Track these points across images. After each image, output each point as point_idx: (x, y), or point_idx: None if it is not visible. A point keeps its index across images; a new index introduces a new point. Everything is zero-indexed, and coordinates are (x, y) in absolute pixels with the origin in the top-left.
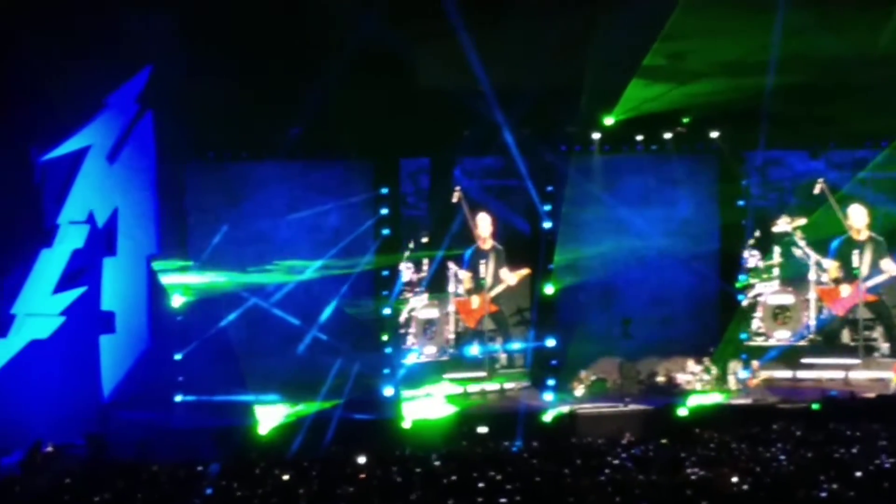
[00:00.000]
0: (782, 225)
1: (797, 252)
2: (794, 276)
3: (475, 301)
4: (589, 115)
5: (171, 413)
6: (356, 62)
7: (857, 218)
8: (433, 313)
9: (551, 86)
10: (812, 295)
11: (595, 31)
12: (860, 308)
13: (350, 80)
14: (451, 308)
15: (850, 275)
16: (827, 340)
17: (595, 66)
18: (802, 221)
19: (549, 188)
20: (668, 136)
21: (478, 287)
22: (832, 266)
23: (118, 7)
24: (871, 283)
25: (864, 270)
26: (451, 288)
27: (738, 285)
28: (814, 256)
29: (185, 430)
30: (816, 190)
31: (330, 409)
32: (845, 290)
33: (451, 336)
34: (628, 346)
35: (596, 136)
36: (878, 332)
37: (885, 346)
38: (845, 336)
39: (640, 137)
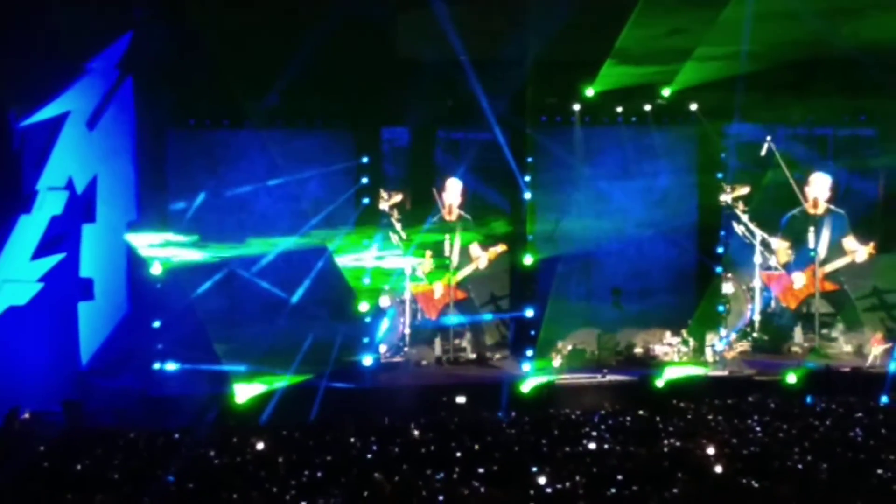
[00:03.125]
0: (720, 195)
1: (738, 229)
2: (735, 260)
3: (438, 287)
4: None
5: (150, 381)
6: (337, 31)
7: (819, 188)
8: (383, 303)
9: (532, 57)
10: (757, 283)
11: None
12: (816, 299)
13: (331, 49)
14: (408, 296)
15: (804, 258)
16: (774, 341)
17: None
18: (745, 190)
19: (529, 159)
20: (647, 108)
21: (441, 269)
22: (782, 247)
23: None
24: (829, 267)
25: (822, 252)
26: (408, 271)
27: (715, 257)
28: (759, 234)
29: (163, 398)
30: (763, 150)
31: (308, 378)
32: (798, 276)
33: (407, 331)
34: (606, 317)
35: (576, 107)
36: (837, 330)
37: (846, 349)
38: (797, 335)
39: (619, 109)
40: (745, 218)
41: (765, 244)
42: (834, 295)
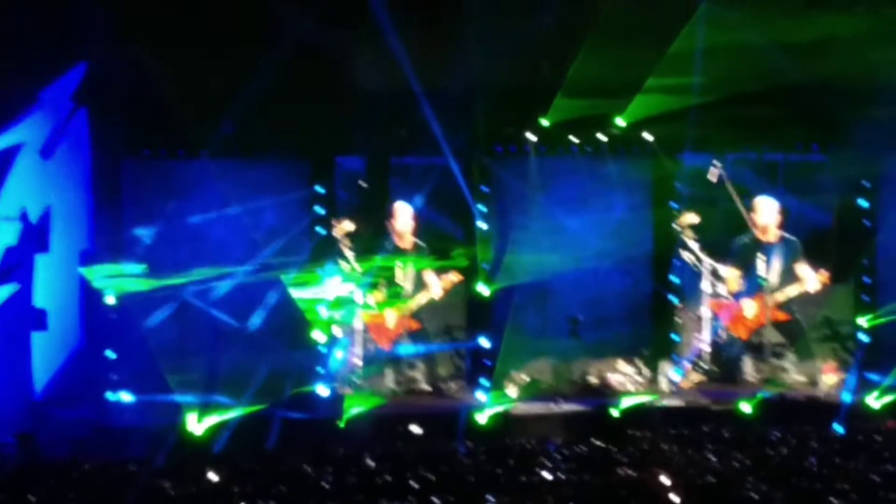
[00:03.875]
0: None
1: (687, 256)
2: (683, 289)
3: (390, 317)
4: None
5: (104, 411)
6: (292, 60)
7: (766, 213)
8: (336, 333)
9: (488, 86)
10: (705, 312)
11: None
12: (767, 329)
13: (286, 79)
14: (359, 325)
15: (754, 286)
16: (724, 373)
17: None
18: (695, 220)
19: (485, 189)
20: (602, 138)
21: (394, 297)
22: (732, 275)
23: (53, 2)
24: (781, 296)
25: (773, 280)
26: (359, 300)
27: (670, 287)
28: (708, 262)
29: (117, 429)
30: (711, 176)
31: (263, 408)
32: (748, 305)
33: (359, 361)
34: (562, 347)
35: (532, 137)
36: (789, 361)
37: (799, 378)
38: (748, 366)
39: (574, 140)
40: (695, 246)
41: (714, 272)
42: (785, 325)
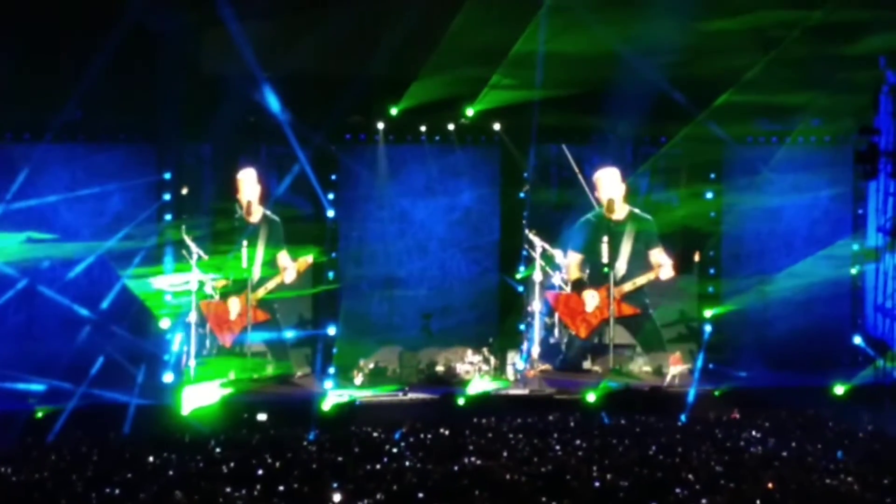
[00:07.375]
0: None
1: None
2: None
3: (234, 305)
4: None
5: None
6: (139, 46)
7: (609, 186)
8: (166, 324)
9: (337, 75)
10: (537, 306)
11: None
12: (612, 326)
13: (134, 64)
14: (193, 317)
15: (598, 274)
16: (563, 370)
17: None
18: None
19: (333, 177)
20: (451, 127)
21: (240, 282)
22: (572, 261)
23: None
24: (629, 286)
25: (620, 267)
26: (194, 286)
27: (517, 276)
28: (540, 246)
29: None
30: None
31: (109, 394)
32: (591, 298)
33: (192, 362)
34: (409, 335)
35: (380, 125)
36: (637, 364)
37: (645, 368)
38: (589, 364)
39: (423, 128)
40: (523, 224)
41: (546, 258)
42: (634, 321)
